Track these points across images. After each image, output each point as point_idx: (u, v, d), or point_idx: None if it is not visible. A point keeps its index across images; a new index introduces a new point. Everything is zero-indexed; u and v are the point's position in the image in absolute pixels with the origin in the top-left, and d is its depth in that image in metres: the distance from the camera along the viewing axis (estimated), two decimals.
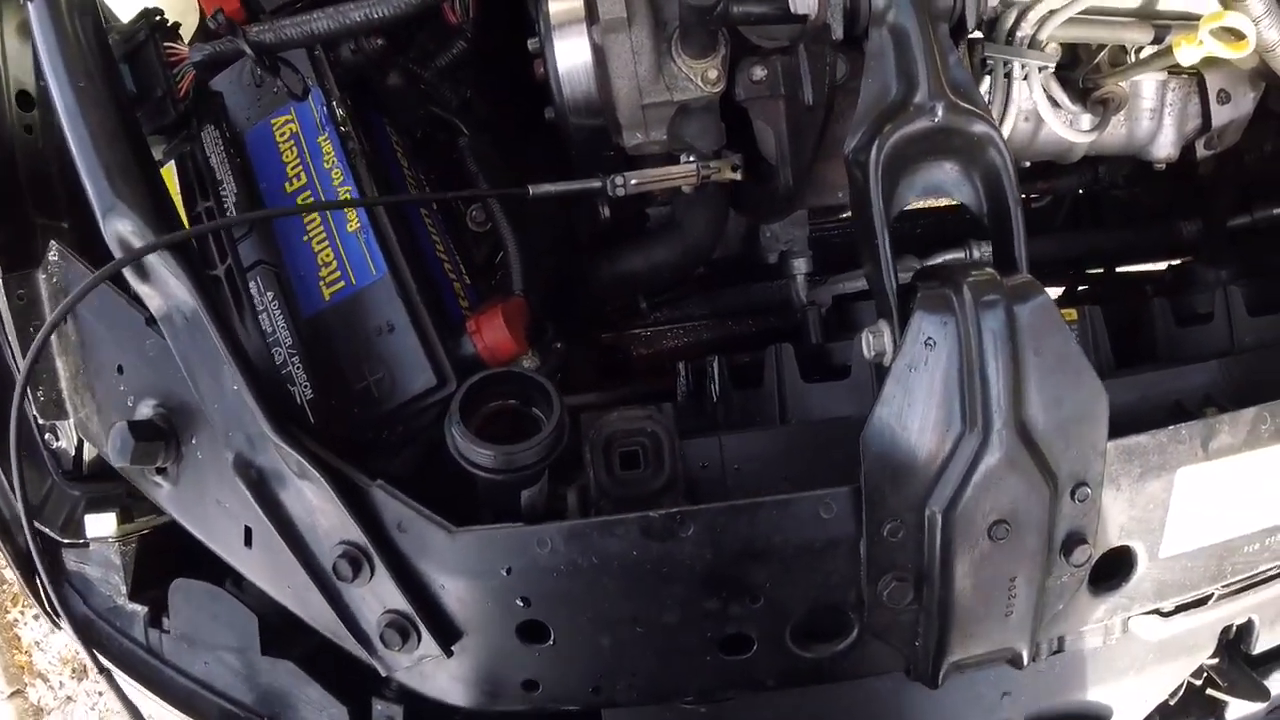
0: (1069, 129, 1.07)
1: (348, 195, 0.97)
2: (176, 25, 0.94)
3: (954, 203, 1.68)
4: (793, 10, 0.86)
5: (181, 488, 0.91)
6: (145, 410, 0.91)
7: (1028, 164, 1.23)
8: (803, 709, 0.97)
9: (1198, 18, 1.00)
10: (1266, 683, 1.14)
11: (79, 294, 0.85)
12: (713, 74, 0.99)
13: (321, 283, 0.98)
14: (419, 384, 0.96)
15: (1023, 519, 0.83)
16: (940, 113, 0.83)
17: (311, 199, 0.98)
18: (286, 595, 0.90)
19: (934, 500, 0.82)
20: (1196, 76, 1.17)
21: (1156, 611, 1.05)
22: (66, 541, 0.98)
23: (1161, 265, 1.45)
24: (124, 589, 0.97)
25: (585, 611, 0.87)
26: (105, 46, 0.87)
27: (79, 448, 0.99)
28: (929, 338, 0.80)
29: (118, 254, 0.85)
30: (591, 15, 0.97)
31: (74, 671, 3.07)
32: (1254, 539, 1.00)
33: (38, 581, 0.98)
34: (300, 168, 0.99)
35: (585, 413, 0.94)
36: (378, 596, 0.86)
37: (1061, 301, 1.52)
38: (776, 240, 1.22)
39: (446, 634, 0.87)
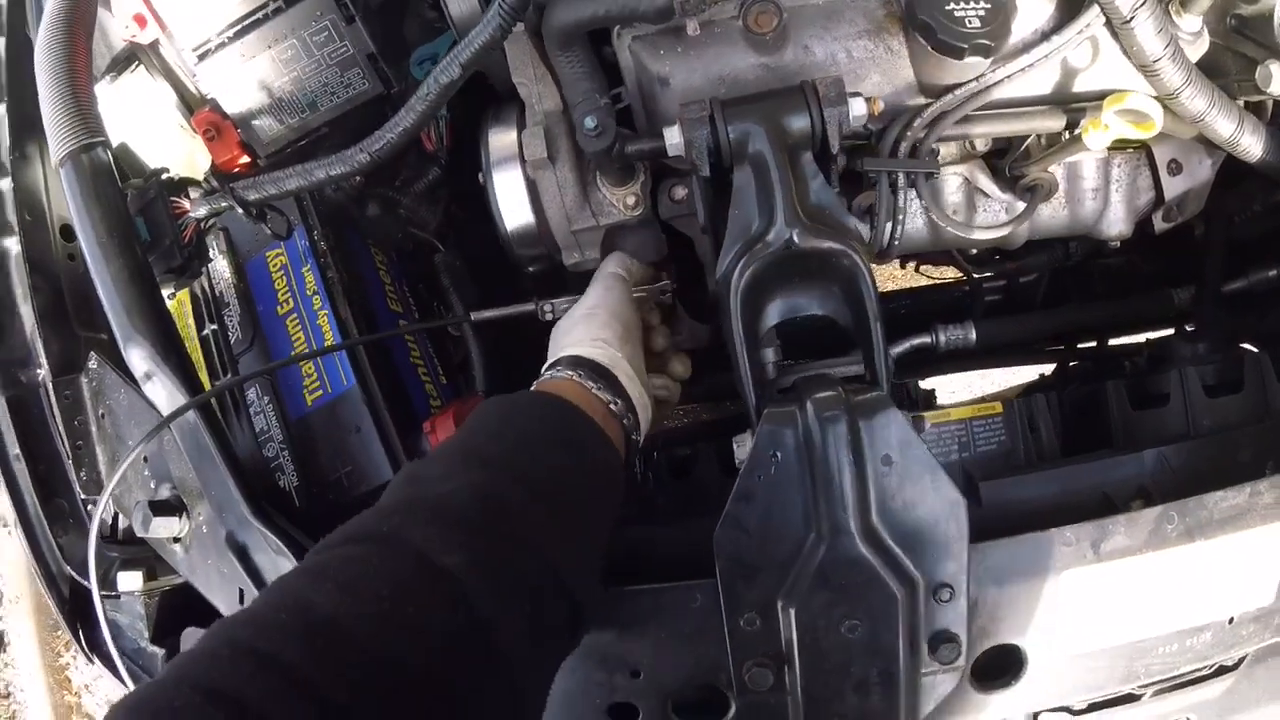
0: (965, 228, 1.08)
1: (326, 318, 1.14)
2: (183, 181, 1.13)
3: (935, 281, 1.70)
4: (667, 151, 0.95)
5: (191, 554, 1.08)
6: (164, 492, 1.09)
7: (974, 251, 1.24)
8: None
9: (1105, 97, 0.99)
10: None
11: (160, 426, 1.04)
12: (631, 199, 1.09)
13: (305, 390, 1.15)
14: (380, 477, 1.12)
15: (876, 617, 0.86)
16: (797, 239, 0.88)
17: (298, 320, 1.16)
18: None
19: (784, 596, 0.86)
20: (1144, 150, 1.14)
21: (1066, 709, 1.04)
22: (102, 594, 1.15)
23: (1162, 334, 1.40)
24: (146, 634, 1.15)
25: None
26: (122, 205, 1.06)
27: (115, 518, 1.17)
28: (774, 451, 0.86)
29: (136, 373, 1.06)
30: (523, 154, 1.08)
31: None
32: (1169, 640, 0.98)
33: (77, 625, 1.20)
34: (289, 293, 1.17)
35: None
36: None
37: (1051, 380, 1.49)
38: None
39: None
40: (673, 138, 0.95)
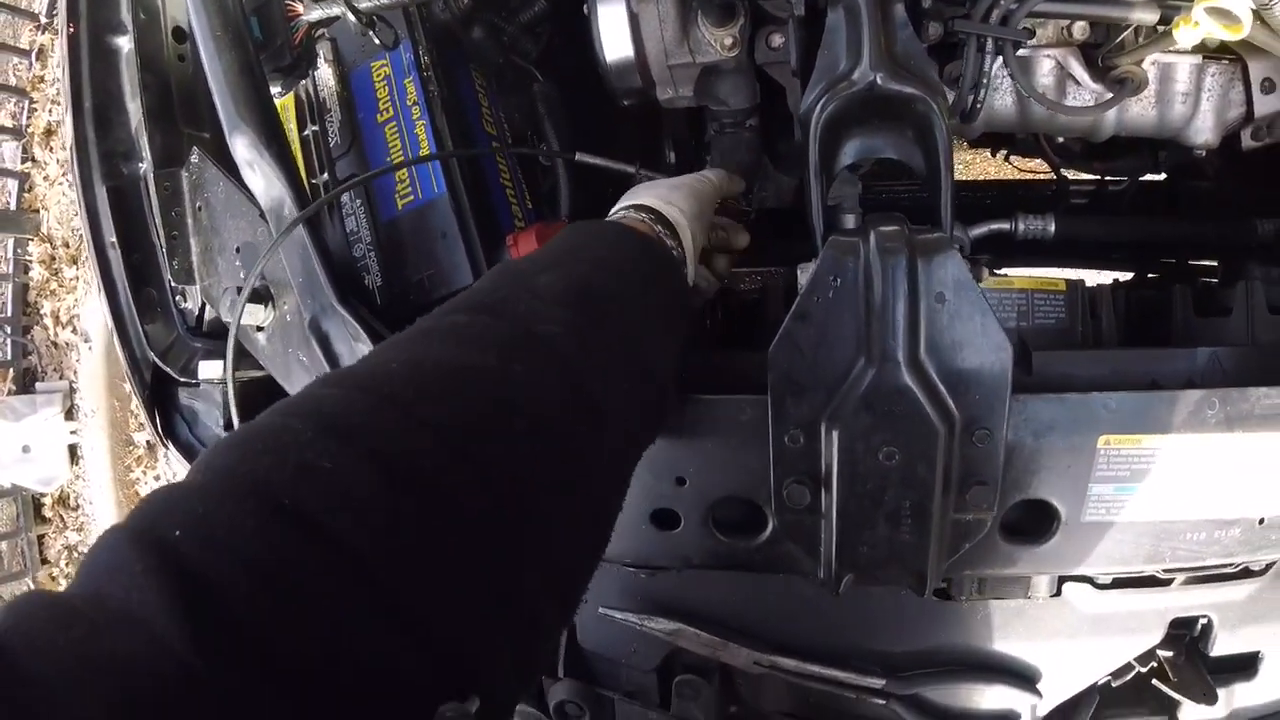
0: (1052, 106, 1.18)
1: (423, 128, 1.28)
2: None
3: (1025, 176, 1.80)
4: None
5: (271, 342, 1.23)
6: (253, 281, 1.25)
7: (1060, 140, 1.33)
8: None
9: None
10: (1227, 691, 1.20)
11: (291, 226, 1.17)
12: (728, 40, 1.21)
13: (396, 195, 1.31)
14: (460, 282, 1.26)
15: (914, 448, 0.96)
16: (879, 81, 0.99)
17: (396, 128, 1.31)
18: None
19: (828, 418, 0.96)
20: (1239, 63, 1.22)
21: (1089, 581, 1.15)
22: (183, 381, 1.33)
23: None
24: (222, 422, 1.30)
25: None
26: (238, 3, 1.20)
27: (202, 309, 1.33)
28: (834, 276, 0.96)
29: (238, 161, 1.20)
30: None
31: None
32: (1198, 528, 1.06)
33: (154, 411, 1.35)
34: (389, 103, 1.32)
35: None
36: None
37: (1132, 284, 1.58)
38: None
39: None
40: None
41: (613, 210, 1.11)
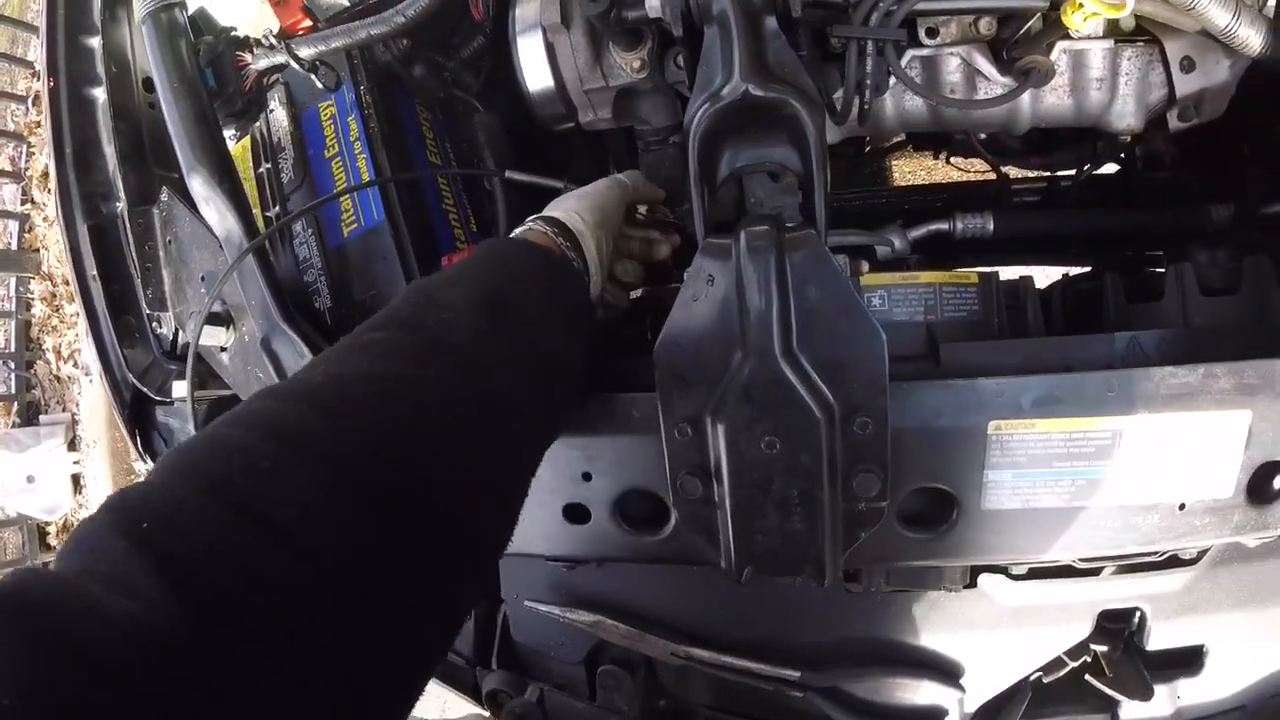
0: (957, 104, 1.25)
1: (364, 161, 1.43)
2: (247, 39, 1.45)
3: (976, 178, 1.84)
4: (648, 13, 1.18)
5: (233, 361, 1.38)
6: (216, 307, 1.41)
7: (983, 135, 1.39)
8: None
9: None
10: (1169, 687, 1.22)
11: (242, 255, 1.33)
12: (637, 63, 1.32)
13: (342, 223, 1.45)
14: None
15: (794, 436, 1.02)
16: (751, 91, 1.06)
17: (341, 163, 1.46)
18: None
19: (712, 410, 1.03)
20: (1156, 44, 1.25)
21: (1003, 572, 1.19)
22: (159, 400, 1.49)
23: None
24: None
25: None
26: (193, 57, 1.38)
27: (176, 333, 1.48)
28: (710, 275, 1.04)
29: (196, 198, 1.37)
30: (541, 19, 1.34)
31: None
32: (1112, 515, 1.09)
33: (134, 429, 1.51)
34: (335, 140, 1.48)
35: None
36: None
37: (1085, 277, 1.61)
38: (761, 205, 1.48)
39: None
40: (653, 0, 1.17)
41: (524, 223, 1.22)
